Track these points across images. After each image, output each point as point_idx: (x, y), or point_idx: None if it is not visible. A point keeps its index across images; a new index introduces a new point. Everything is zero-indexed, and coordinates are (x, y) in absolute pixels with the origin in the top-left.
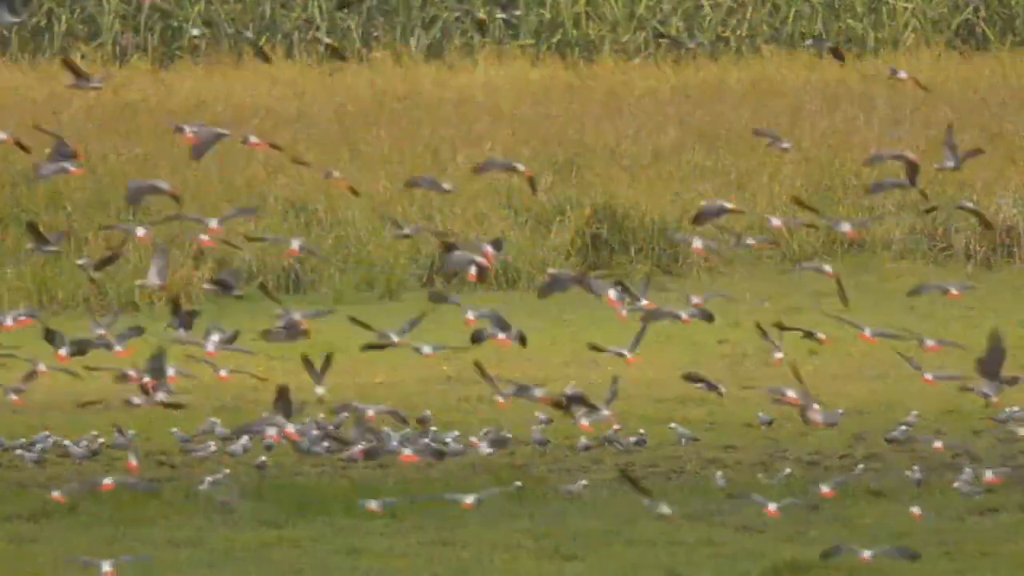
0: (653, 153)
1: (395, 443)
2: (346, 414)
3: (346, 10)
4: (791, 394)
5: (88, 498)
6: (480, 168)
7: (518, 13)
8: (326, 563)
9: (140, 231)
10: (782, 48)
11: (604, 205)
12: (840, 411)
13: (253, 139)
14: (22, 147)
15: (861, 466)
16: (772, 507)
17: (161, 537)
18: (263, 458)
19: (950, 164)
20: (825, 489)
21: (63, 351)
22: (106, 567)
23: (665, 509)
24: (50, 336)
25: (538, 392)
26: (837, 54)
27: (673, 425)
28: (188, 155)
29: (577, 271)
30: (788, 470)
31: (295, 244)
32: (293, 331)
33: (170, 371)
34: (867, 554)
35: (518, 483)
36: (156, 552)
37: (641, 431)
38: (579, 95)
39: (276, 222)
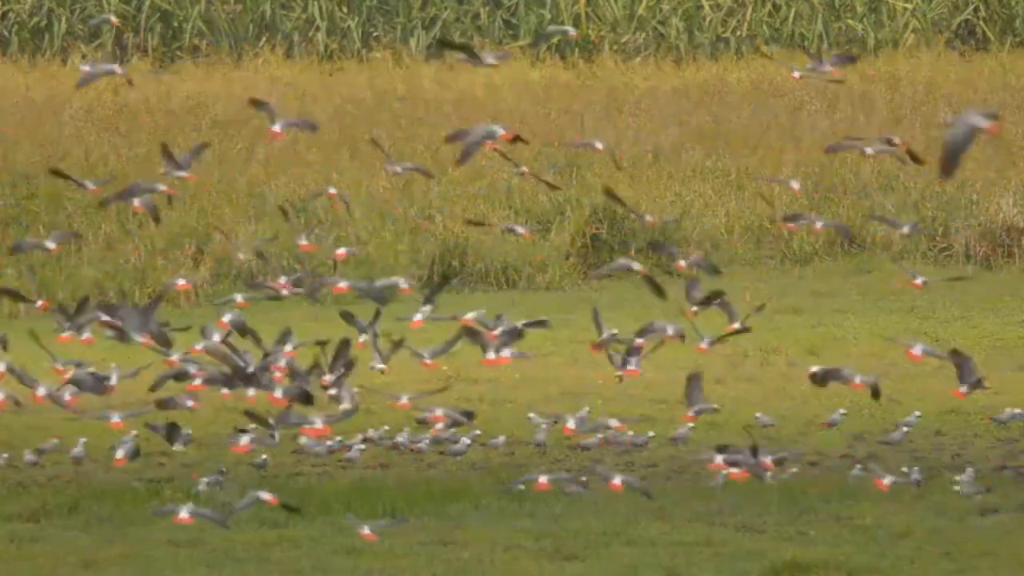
0: (653, 153)
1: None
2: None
3: (346, 10)
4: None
5: (88, 498)
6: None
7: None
8: (326, 563)
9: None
10: (782, 48)
11: (604, 205)
12: (841, 411)
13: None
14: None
15: (860, 466)
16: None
17: (161, 537)
18: (263, 457)
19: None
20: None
21: None
22: (183, 513)
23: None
24: None
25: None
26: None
27: (684, 428)
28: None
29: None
30: (795, 469)
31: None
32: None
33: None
34: (617, 480)
35: (520, 487)
36: (156, 552)
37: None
38: (579, 95)
39: (276, 222)
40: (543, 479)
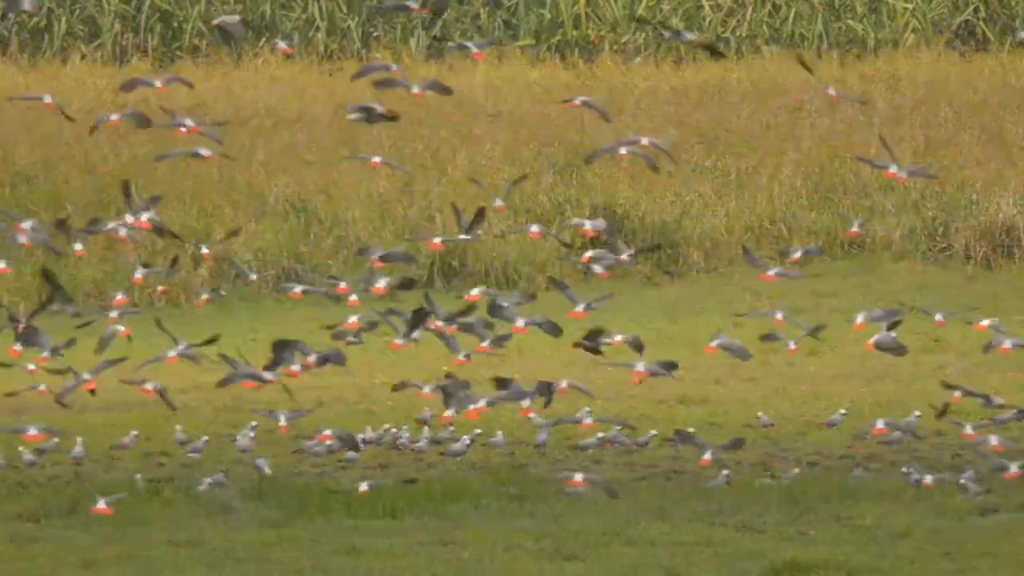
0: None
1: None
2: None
3: (347, 11)
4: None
5: (88, 498)
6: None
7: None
8: (326, 563)
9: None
10: (782, 48)
11: (604, 205)
12: (841, 411)
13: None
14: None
15: (860, 466)
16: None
17: (161, 537)
18: (262, 460)
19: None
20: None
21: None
22: (426, 389)
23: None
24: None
25: None
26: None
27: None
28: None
29: None
30: (796, 470)
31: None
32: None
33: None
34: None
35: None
36: (156, 552)
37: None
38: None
39: (276, 222)
40: (578, 476)
